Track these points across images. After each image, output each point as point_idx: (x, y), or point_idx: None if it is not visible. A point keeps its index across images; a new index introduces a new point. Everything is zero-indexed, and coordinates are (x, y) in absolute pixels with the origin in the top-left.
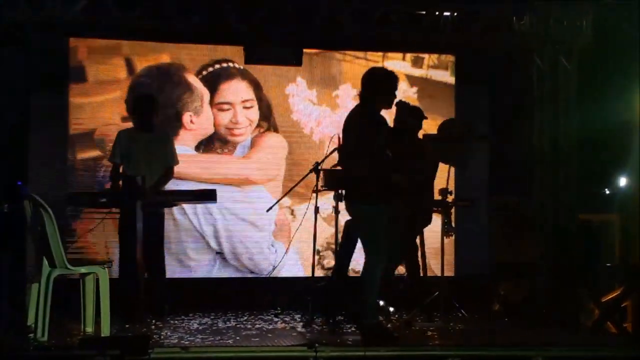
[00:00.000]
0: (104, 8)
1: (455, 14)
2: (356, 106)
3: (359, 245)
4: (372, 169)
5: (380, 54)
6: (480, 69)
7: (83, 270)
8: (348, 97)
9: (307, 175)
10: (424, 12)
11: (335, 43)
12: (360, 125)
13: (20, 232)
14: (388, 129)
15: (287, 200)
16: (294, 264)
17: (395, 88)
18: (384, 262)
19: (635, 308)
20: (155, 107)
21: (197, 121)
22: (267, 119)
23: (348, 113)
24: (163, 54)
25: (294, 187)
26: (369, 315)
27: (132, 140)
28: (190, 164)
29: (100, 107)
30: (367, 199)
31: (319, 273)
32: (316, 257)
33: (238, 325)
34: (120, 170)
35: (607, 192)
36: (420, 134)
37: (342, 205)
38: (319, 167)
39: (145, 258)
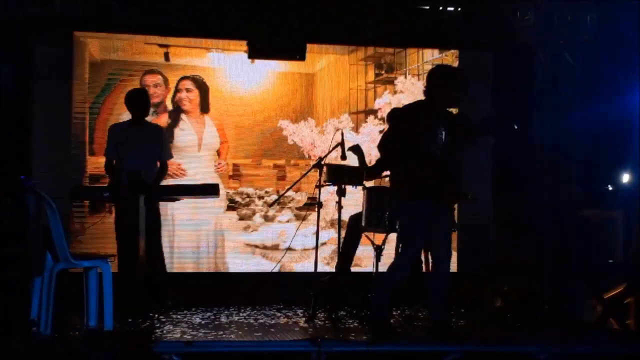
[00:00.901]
0: (106, 3)
1: (459, 9)
2: None
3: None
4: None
5: None
6: (484, 64)
7: (86, 264)
8: None
9: (310, 170)
10: (427, 7)
11: (338, 38)
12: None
13: (23, 225)
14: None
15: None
16: (297, 259)
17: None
18: (406, 266)
19: (637, 305)
20: (146, 102)
21: None
22: None
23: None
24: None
25: (297, 181)
26: (374, 311)
27: (124, 134)
28: None
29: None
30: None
31: (321, 268)
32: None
33: (240, 320)
34: (114, 164)
35: (610, 188)
36: None
37: (344, 200)
38: (322, 163)
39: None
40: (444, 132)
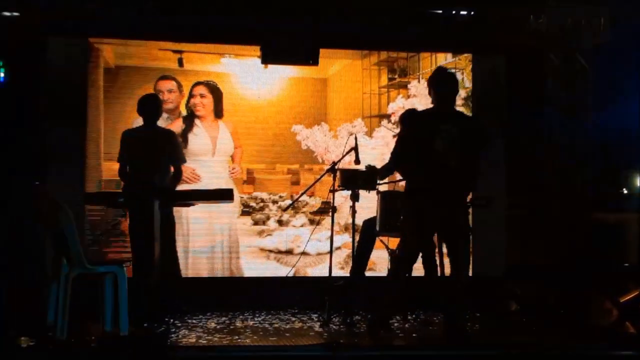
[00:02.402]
0: (120, 9)
1: (472, 12)
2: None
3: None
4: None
5: None
6: (498, 68)
7: (102, 269)
8: None
9: (323, 175)
10: (440, 11)
11: (351, 42)
12: None
13: (39, 232)
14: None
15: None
16: (311, 263)
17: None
18: (406, 261)
19: None
20: (157, 107)
21: None
22: None
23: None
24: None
25: (310, 186)
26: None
27: (136, 140)
28: None
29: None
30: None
31: (336, 273)
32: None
33: (255, 325)
34: (127, 170)
35: (625, 192)
36: None
37: (358, 205)
38: (336, 167)
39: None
40: (451, 136)
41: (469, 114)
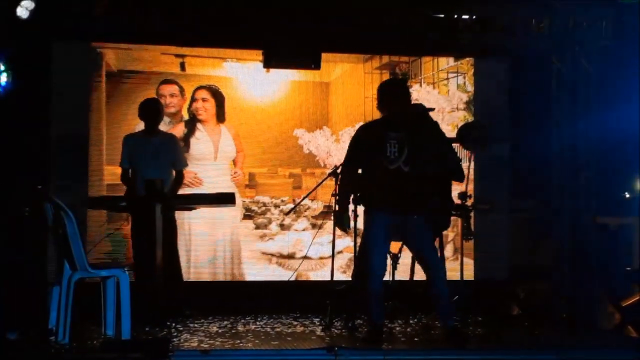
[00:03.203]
0: (124, 14)
1: (474, 17)
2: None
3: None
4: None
5: None
6: (500, 71)
7: (104, 273)
8: None
9: (325, 179)
10: (442, 16)
11: (353, 47)
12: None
13: (41, 235)
14: None
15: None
16: (313, 267)
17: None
18: (374, 275)
19: None
20: (159, 112)
21: None
22: None
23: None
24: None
25: (312, 190)
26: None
27: (138, 144)
28: None
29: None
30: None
31: (338, 277)
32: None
33: (257, 329)
34: (129, 175)
35: (627, 195)
36: None
37: (360, 209)
38: (338, 171)
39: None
40: (396, 147)
41: (471, 117)
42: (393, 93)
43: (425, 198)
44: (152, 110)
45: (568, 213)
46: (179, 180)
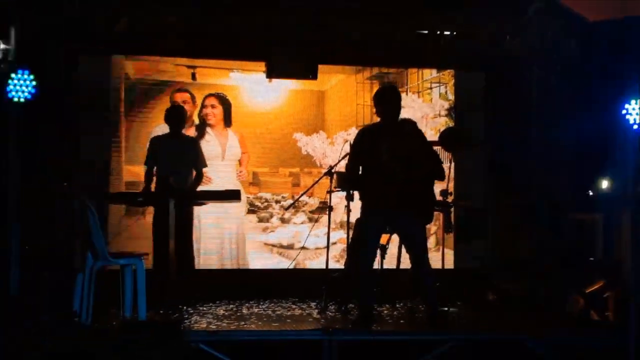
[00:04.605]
0: (141, 31)
1: (454, 33)
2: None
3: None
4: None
5: None
6: (478, 81)
7: (122, 262)
8: None
9: (321, 177)
10: (426, 32)
11: (347, 59)
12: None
13: (67, 228)
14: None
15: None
16: (310, 257)
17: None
18: (362, 267)
19: (615, 299)
20: (183, 117)
21: None
22: None
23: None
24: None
25: (310, 188)
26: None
27: (163, 145)
28: None
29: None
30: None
31: (332, 265)
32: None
33: (260, 312)
34: (154, 173)
35: (591, 194)
36: None
37: (352, 204)
38: (332, 171)
39: (176, 251)
40: (388, 150)
41: (451, 123)
42: (386, 100)
43: (414, 197)
44: (176, 116)
45: (543, 210)
46: (199, 179)
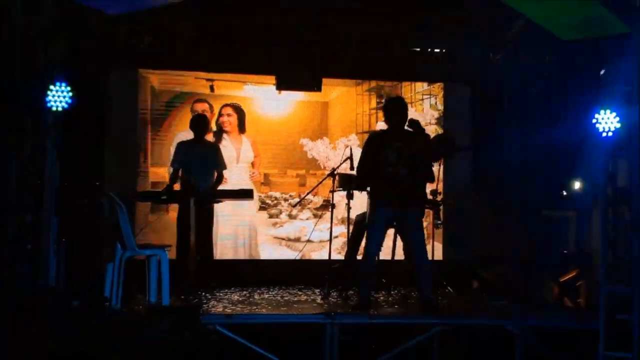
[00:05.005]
0: (164, 48)
1: (444, 50)
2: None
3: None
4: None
5: None
6: (464, 94)
7: (148, 252)
8: None
9: (325, 178)
10: (418, 50)
11: (347, 74)
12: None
13: (98, 222)
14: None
15: None
16: (314, 249)
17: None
18: (366, 258)
19: (587, 287)
20: (206, 125)
21: None
22: None
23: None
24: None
25: (315, 187)
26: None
27: (188, 150)
28: None
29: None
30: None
31: (334, 256)
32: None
33: (270, 298)
34: (180, 174)
35: (564, 193)
36: None
37: (352, 202)
38: (335, 172)
39: (197, 244)
40: (395, 154)
41: (441, 130)
42: (393, 109)
43: (418, 196)
44: (200, 124)
45: (519, 207)
46: (220, 180)
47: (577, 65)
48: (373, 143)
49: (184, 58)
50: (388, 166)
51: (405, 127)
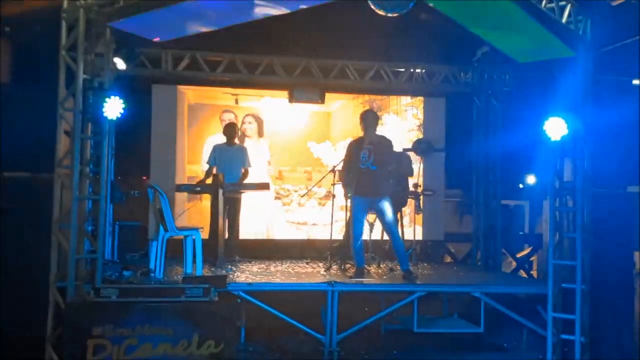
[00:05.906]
0: (197, 68)
1: (424, 70)
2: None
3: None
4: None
5: None
6: (440, 105)
7: (185, 233)
8: None
9: (327, 173)
10: (403, 70)
11: (346, 89)
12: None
13: (145, 209)
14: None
15: None
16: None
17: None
18: (356, 236)
19: (539, 261)
20: (236, 130)
21: None
22: None
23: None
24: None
25: (319, 181)
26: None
27: (222, 151)
28: None
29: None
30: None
31: (335, 236)
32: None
33: (282, 270)
34: (214, 171)
35: (521, 186)
36: (400, 148)
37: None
38: (335, 169)
39: (225, 226)
40: (367, 154)
41: (421, 135)
42: (366, 120)
43: (387, 187)
44: (232, 130)
45: (482, 198)
46: (246, 175)
47: (532, 81)
48: (352, 147)
49: (215, 81)
50: (362, 164)
51: (376, 133)
